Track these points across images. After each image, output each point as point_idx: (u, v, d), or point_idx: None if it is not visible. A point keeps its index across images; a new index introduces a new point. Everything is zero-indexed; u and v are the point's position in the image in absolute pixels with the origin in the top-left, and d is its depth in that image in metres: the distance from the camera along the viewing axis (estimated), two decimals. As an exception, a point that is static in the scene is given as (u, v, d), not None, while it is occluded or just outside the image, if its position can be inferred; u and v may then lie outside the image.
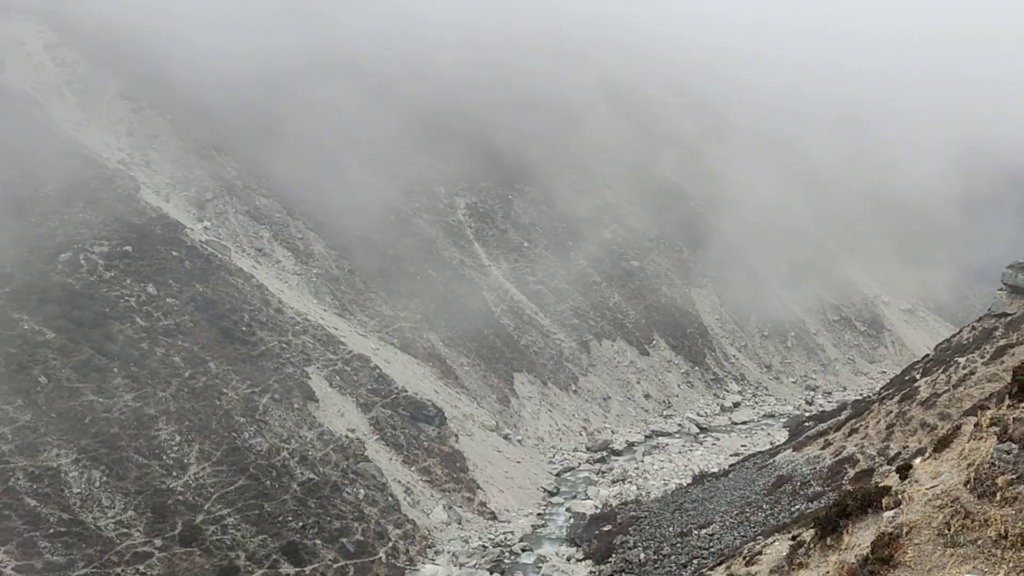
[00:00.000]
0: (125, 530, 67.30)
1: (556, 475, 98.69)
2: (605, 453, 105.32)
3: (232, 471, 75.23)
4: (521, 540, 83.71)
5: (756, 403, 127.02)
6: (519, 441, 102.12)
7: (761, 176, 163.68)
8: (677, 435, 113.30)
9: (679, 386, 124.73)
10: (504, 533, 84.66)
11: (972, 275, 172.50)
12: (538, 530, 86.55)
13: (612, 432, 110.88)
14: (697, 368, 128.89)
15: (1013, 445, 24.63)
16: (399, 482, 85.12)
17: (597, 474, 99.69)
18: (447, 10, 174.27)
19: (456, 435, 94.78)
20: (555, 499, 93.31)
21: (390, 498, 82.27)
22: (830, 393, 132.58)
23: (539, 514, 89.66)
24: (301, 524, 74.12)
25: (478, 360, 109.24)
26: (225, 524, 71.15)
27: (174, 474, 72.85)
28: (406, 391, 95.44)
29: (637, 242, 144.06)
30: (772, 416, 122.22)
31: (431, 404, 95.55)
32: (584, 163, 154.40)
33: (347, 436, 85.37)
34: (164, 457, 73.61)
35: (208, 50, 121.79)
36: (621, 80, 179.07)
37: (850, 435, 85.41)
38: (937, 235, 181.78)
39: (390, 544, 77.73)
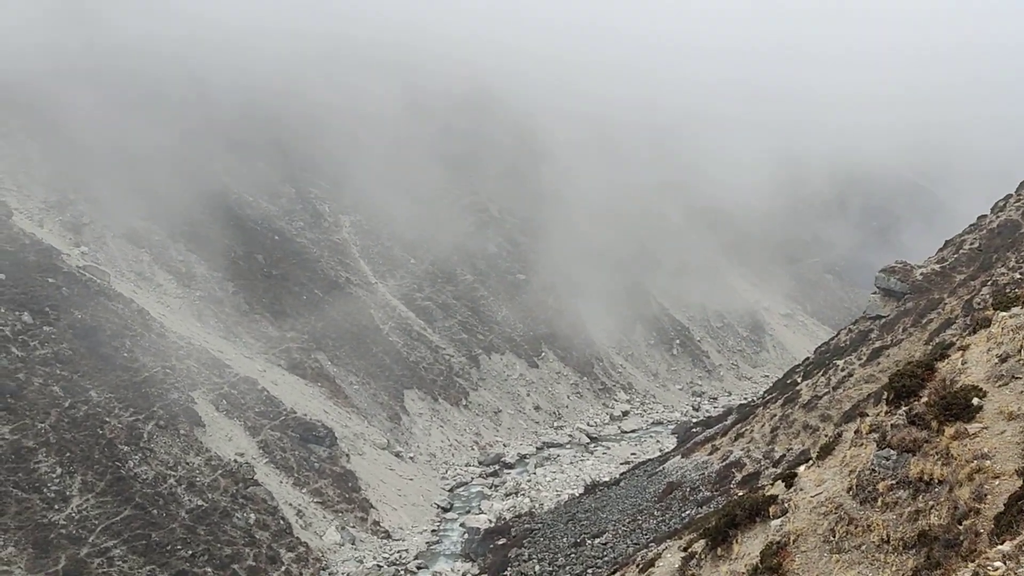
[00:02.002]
0: (5, 567, 64.83)
1: (449, 491, 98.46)
2: (497, 467, 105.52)
3: (117, 501, 73.10)
4: (416, 558, 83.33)
5: (644, 411, 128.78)
6: (411, 458, 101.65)
7: (635, 182, 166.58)
8: (568, 446, 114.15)
9: (568, 397, 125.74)
10: (399, 551, 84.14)
11: (845, 278, 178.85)
12: (433, 547, 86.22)
13: (504, 445, 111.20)
14: (586, 378, 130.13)
15: (892, 451, 25.47)
16: (290, 505, 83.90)
17: (490, 488, 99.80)
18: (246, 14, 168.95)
19: (347, 455, 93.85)
20: (449, 515, 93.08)
21: (282, 521, 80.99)
22: (716, 398, 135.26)
23: (433, 531, 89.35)
24: (191, 552, 72.40)
25: (367, 378, 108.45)
26: (111, 556, 69.09)
27: (56, 507, 70.46)
28: (295, 412, 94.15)
29: (524, 255, 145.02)
30: (660, 423, 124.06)
31: (321, 425, 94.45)
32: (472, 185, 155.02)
33: (236, 460, 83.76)
34: (45, 490, 71.14)
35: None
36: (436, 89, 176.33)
37: (736, 439, 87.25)
38: (797, 241, 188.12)
39: (283, 568, 76.54)
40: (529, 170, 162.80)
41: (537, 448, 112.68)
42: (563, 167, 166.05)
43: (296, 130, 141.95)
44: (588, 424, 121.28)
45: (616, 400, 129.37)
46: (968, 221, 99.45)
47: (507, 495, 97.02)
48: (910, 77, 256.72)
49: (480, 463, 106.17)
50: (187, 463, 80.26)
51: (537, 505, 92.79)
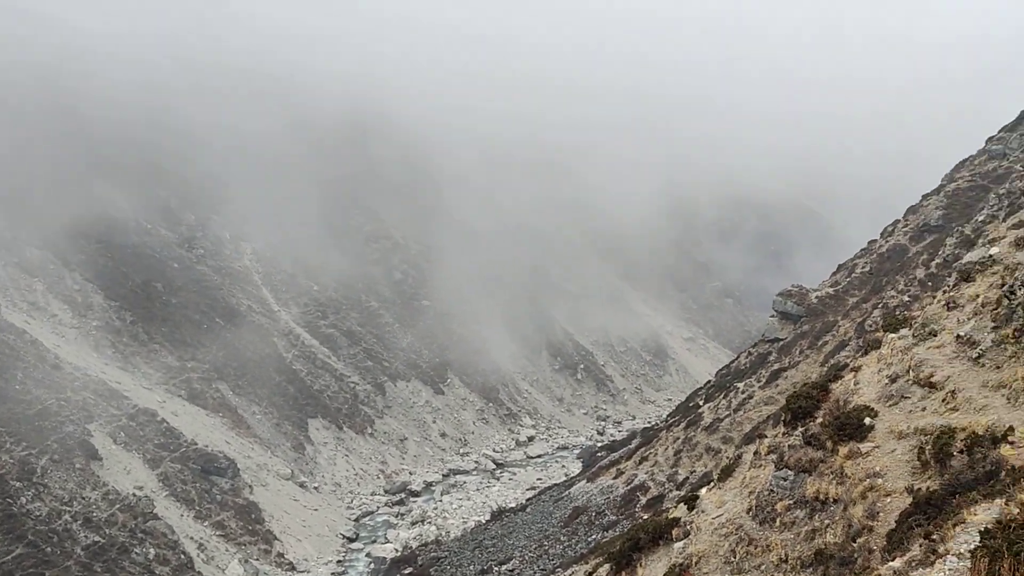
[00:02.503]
0: None
1: (355, 520, 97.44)
2: (404, 495, 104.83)
3: (8, 539, 70.69)
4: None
5: (550, 436, 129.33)
6: (316, 488, 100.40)
7: (529, 207, 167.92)
8: (474, 472, 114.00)
9: (474, 423, 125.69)
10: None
11: (744, 302, 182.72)
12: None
13: (410, 473, 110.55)
14: (491, 404, 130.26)
15: (789, 471, 26.09)
16: (192, 539, 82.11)
17: (396, 517, 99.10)
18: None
19: (250, 486, 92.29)
20: (355, 545, 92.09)
21: (183, 556, 79.21)
22: (620, 422, 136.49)
23: (339, 561, 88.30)
24: (87, 591, 70.37)
25: (270, 408, 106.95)
26: (2, 598, 66.84)
27: (-58, 548, 67.93)
28: (196, 444, 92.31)
29: (427, 281, 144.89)
30: (566, 448, 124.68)
31: (223, 456, 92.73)
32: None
33: (134, 494, 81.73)
34: (-70, 530, 68.56)
35: None
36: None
37: (641, 463, 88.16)
38: (695, 265, 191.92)
39: (184, 604, 74.86)
40: (427, 194, 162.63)
41: (443, 475, 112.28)
42: (458, 190, 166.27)
43: (187, 158, 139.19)
44: (494, 450, 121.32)
45: (522, 425, 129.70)
46: (857, 245, 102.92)
47: (413, 523, 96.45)
48: (794, 104, 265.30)
49: (386, 491, 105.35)
50: (83, 498, 78.06)
51: (444, 533, 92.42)
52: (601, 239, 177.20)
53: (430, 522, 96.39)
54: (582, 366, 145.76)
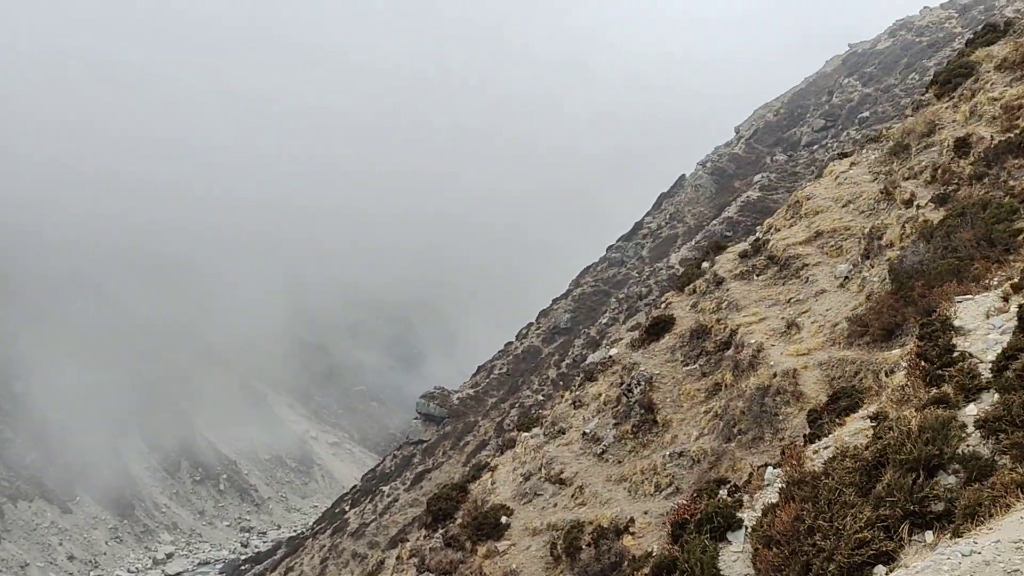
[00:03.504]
0: None
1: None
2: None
3: None
4: None
5: (191, 551, 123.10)
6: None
7: (163, 313, 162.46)
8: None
9: (107, 543, 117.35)
10: None
11: (389, 404, 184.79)
12: None
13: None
14: (126, 521, 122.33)
15: (430, 574, 26.33)
16: None
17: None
18: None
19: None
20: None
21: None
22: (265, 533, 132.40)
23: None
24: None
25: None
26: None
27: None
28: None
29: (49, 392, 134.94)
30: (208, 563, 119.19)
31: None
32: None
33: None
34: None
35: None
36: None
37: (286, 574, 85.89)
38: (341, 368, 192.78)
39: None
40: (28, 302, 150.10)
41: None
42: (66, 297, 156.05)
43: None
44: (128, 571, 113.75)
45: (160, 542, 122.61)
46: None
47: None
48: (414, 205, 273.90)
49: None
50: None
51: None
52: (239, 347, 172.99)
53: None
54: (225, 476, 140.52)
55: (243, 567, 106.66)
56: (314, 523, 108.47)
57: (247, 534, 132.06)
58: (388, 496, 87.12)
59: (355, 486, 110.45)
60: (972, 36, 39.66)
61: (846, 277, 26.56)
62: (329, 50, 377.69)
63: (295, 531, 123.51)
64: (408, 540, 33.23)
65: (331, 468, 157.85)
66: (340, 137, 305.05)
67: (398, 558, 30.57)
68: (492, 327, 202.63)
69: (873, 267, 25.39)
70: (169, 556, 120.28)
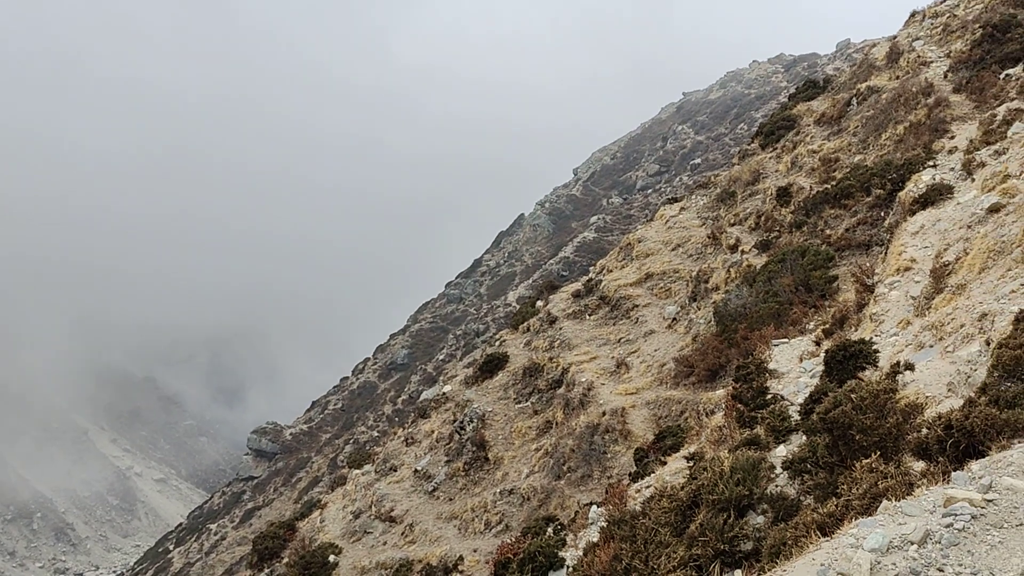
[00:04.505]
0: None
1: None
2: None
3: None
4: None
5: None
6: None
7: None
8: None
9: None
10: None
11: (220, 440, 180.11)
12: None
13: None
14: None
15: (254, 616, 25.65)
16: None
17: None
18: None
19: None
20: None
21: None
22: (82, 574, 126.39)
23: None
24: None
25: None
26: None
27: None
28: None
29: None
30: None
31: None
32: None
33: None
34: None
35: None
36: None
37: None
38: (164, 402, 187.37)
39: None
40: None
41: None
42: None
43: None
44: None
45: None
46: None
47: None
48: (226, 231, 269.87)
49: None
50: None
51: None
52: (41, 380, 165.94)
53: None
54: (39, 515, 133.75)
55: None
56: (135, 563, 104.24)
57: (62, 575, 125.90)
58: (215, 534, 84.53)
59: (181, 524, 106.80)
60: (795, 91, 41.62)
61: (674, 318, 27.33)
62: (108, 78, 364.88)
63: (115, 572, 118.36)
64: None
65: (156, 505, 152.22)
66: (128, 175, 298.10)
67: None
68: (314, 359, 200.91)
69: (700, 309, 26.21)
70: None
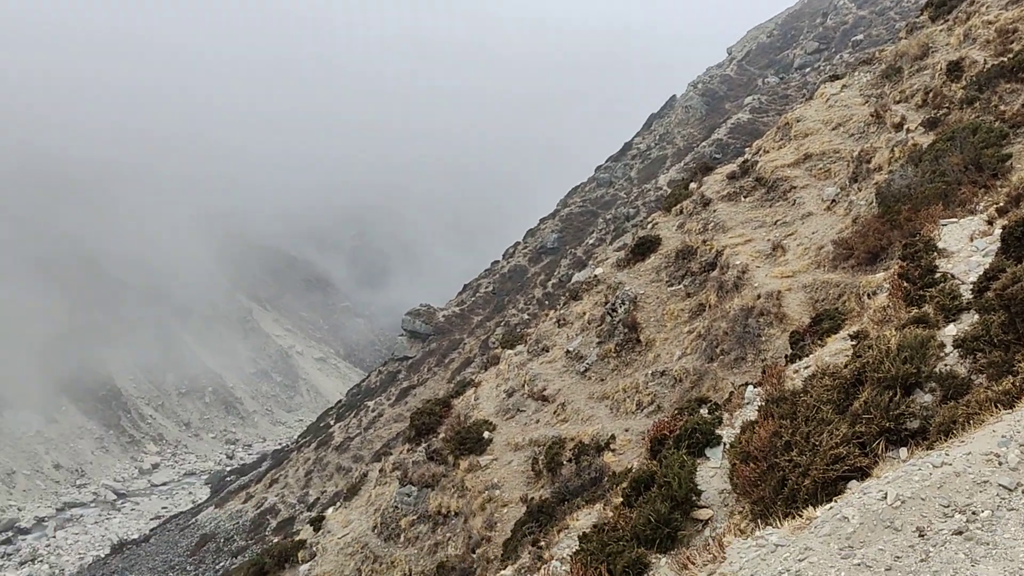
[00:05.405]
0: None
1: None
2: (11, 533, 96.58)
3: None
4: (-88, 645, 74.07)
5: (176, 462, 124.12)
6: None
7: (168, 229, 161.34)
8: (93, 504, 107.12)
9: (93, 452, 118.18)
10: None
11: (375, 322, 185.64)
12: (-67, 630, 77.15)
13: (19, 509, 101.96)
14: (112, 432, 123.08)
15: (413, 487, 26.63)
16: None
17: (2, 557, 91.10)
18: None
19: None
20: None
21: None
22: (250, 445, 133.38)
23: (-72, 614, 79.99)
24: None
25: None
26: None
27: None
28: None
29: (49, 301, 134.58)
30: (193, 474, 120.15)
31: None
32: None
33: None
34: None
35: None
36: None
37: (271, 486, 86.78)
38: (320, 282, 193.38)
39: None
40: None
41: (58, 509, 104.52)
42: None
43: None
44: (115, 480, 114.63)
45: (146, 453, 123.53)
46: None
47: (22, 563, 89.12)
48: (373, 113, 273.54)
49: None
50: None
51: (58, 571, 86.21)
52: (229, 258, 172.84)
53: (42, 560, 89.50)
54: (210, 389, 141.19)
55: (228, 478, 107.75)
56: (299, 436, 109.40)
57: (232, 446, 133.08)
58: (373, 411, 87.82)
59: (340, 401, 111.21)
60: (970, -42, 39.09)
61: (833, 200, 26.51)
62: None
63: (280, 444, 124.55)
64: (391, 454, 33.55)
65: (317, 382, 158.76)
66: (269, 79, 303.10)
67: (381, 471, 30.89)
68: (453, 244, 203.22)
69: (860, 190, 25.33)
70: (155, 466, 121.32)
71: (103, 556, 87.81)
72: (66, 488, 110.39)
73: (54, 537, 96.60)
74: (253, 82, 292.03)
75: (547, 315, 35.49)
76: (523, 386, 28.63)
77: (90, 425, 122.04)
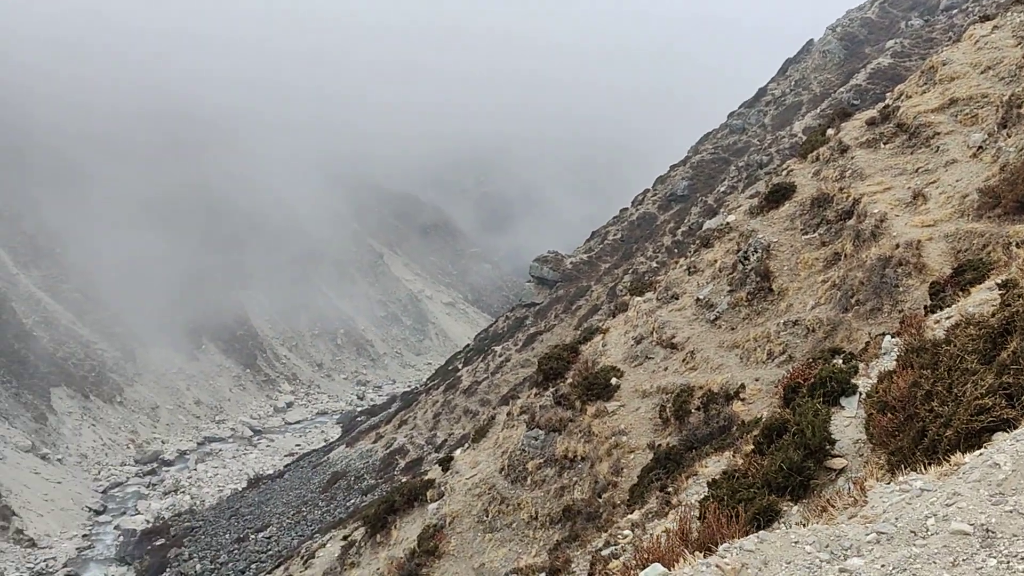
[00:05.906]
0: None
1: (103, 492, 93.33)
2: (156, 464, 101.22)
3: None
4: (65, 566, 78.25)
5: (309, 402, 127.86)
6: (59, 460, 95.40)
7: (295, 174, 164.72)
8: (231, 440, 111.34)
9: (231, 390, 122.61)
10: (45, 560, 78.67)
11: (503, 267, 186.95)
12: (84, 553, 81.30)
13: (163, 442, 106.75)
14: (249, 371, 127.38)
15: (540, 431, 26.85)
16: (-83, 519, 76.46)
17: (148, 487, 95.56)
18: None
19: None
20: (102, 518, 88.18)
21: (-93, 538, 73.65)
22: (380, 387, 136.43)
23: (84, 535, 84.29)
24: None
25: (9, 377, 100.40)
26: None
27: None
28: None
29: (182, 243, 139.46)
30: (325, 413, 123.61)
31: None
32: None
33: None
34: None
35: None
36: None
37: (400, 427, 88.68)
38: (445, 228, 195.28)
39: (-90, 589, 69.75)
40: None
41: (198, 443, 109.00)
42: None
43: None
44: (252, 417, 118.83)
45: (280, 391, 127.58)
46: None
47: (166, 494, 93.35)
48: (500, 64, 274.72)
49: (137, 462, 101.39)
50: None
51: (198, 502, 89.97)
52: (359, 203, 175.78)
53: (184, 491, 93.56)
54: (342, 331, 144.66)
55: (359, 418, 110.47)
56: (428, 379, 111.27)
57: (363, 387, 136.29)
58: (500, 356, 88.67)
59: (468, 345, 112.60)
60: None
61: (980, 147, 25.44)
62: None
63: (409, 386, 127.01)
64: (519, 398, 33.85)
65: (445, 327, 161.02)
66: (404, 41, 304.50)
67: (508, 415, 31.21)
68: (575, 190, 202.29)
69: (1010, 136, 24.24)
70: (289, 405, 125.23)
71: (240, 489, 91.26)
72: (206, 423, 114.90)
73: (195, 470, 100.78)
74: (376, 37, 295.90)
75: (677, 263, 35.16)
76: (651, 333, 28.50)
77: (228, 364, 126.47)
